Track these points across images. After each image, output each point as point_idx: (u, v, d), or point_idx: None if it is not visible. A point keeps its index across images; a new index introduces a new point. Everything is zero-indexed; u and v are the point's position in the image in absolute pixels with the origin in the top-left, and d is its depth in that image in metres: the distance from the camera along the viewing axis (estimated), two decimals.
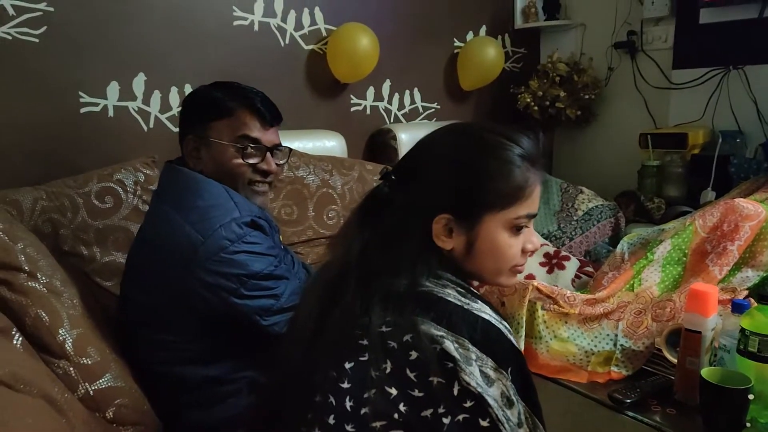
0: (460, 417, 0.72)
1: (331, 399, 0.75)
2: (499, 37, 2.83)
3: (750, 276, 1.38)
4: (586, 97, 2.63)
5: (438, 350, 0.71)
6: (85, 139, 1.70)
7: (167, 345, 1.11)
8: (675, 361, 1.23)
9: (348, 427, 0.73)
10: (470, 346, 0.73)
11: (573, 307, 1.34)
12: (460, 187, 0.81)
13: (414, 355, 0.72)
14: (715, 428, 1.10)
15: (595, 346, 1.33)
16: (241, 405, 1.09)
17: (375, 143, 2.42)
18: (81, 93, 1.69)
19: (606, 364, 1.31)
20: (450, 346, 0.72)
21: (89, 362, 1.00)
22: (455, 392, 0.71)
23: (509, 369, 0.75)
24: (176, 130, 1.29)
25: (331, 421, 0.74)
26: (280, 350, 0.88)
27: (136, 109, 1.80)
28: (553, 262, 1.80)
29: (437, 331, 0.73)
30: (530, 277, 1.73)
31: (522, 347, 1.32)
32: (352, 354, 0.75)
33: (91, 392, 0.98)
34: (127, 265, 1.22)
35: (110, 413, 0.98)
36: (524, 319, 1.33)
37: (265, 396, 0.89)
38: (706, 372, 1.10)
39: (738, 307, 1.17)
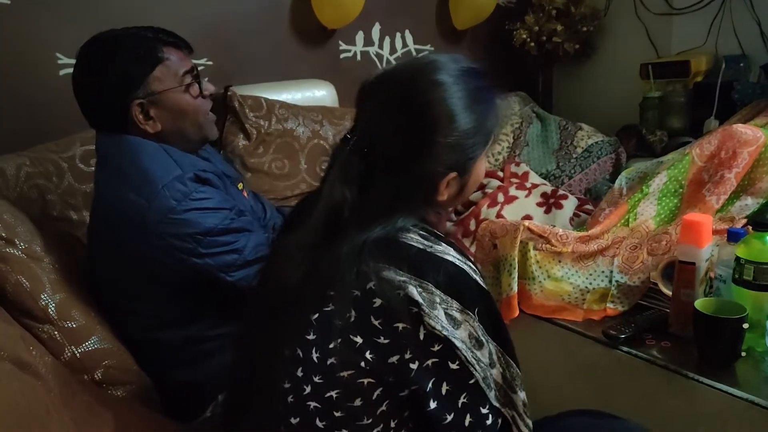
0: (429, 362, 0.71)
1: (299, 351, 0.74)
2: None
3: (749, 204, 1.34)
4: (585, 29, 2.53)
5: (401, 296, 0.70)
6: (66, 102, 1.65)
7: (142, 313, 1.10)
8: (670, 294, 1.21)
9: (316, 379, 0.73)
10: (434, 289, 0.71)
11: (566, 245, 1.31)
12: (467, 149, 0.81)
13: (378, 302, 0.71)
14: (709, 359, 1.09)
15: (590, 283, 1.31)
16: (225, 361, 1.07)
17: None
18: (59, 54, 1.65)
19: (602, 302, 1.30)
20: (413, 290, 0.70)
21: (74, 325, 1.00)
22: (421, 337, 0.71)
23: (476, 310, 0.73)
24: None
25: (300, 373, 0.74)
26: (250, 304, 0.88)
27: None
28: (550, 202, 1.77)
29: (400, 277, 0.71)
30: (527, 217, 1.70)
31: (515, 288, 1.31)
32: (318, 305, 0.74)
33: (78, 355, 0.98)
34: (88, 238, 1.19)
35: (98, 374, 0.98)
36: (516, 260, 1.31)
37: (239, 353, 0.88)
38: (699, 303, 1.09)
39: (733, 236, 1.14)
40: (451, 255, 0.75)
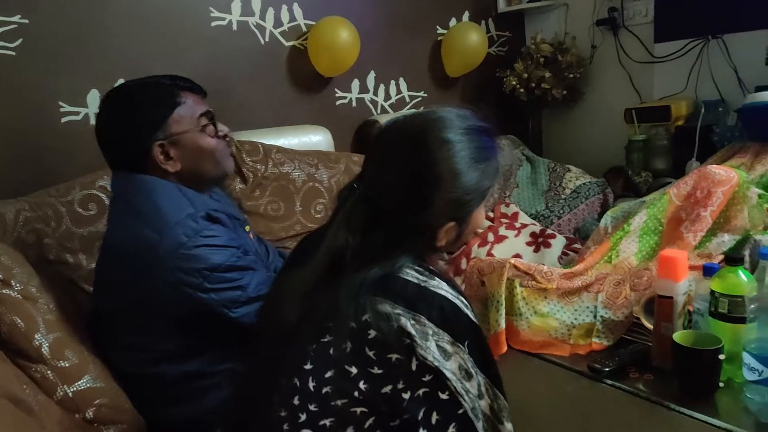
0: (420, 392, 0.74)
1: (296, 381, 0.78)
2: (483, 21, 2.84)
3: (726, 240, 1.38)
4: (571, 76, 2.64)
5: (395, 327, 0.74)
6: (67, 148, 1.73)
7: (142, 347, 1.13)
8: (652, 327, 1.24)
9: (311, 407, 0.76)
10: (426, 321, 0.75)
11: (551, 281, 1.35)
12: (467, 204, 0.87)
13: (372, 333, 0.75)
14: (689, 390, 1.11)
15: (576, 319, 1.34)
16: (222, 397, 1.10)
17: (361, 135, 2.44)
18: (61, 103, 1.73)
19: (587, 336, 1.33)
20: (406, 323, 0.74)
21: (67, 365, 1.02)
22: (413, 367, 0.74)
23: (466, 342, 0.77)
24: None
25: (296, 402, 0.77)
26: (251, 340, 0.91)
27: None
28: (539, 241, 1.81)
29: (394, 310, 0.75)
30: (517, 256, 1.74)
31: (503, 325, 1.34)
32: (316, 337, 0.78)
33: (70, 394, 1.00)
34: (96, 274, 1.23)
35: (90, 413, 1.00)
36: (504, 296, 1.35)
37: (239, 385, 0.91)
38: (678, 335, 1.12)
39: (708, 271, 1.18)
40: (444, 290, 0.79)
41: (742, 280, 1.10)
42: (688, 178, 1.46)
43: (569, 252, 1.81)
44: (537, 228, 1.89)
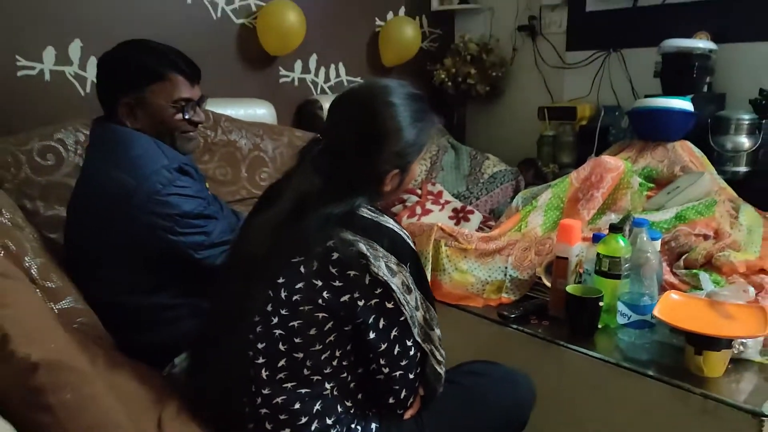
0: (372, 302, 0.95)
1: (270, 292, 0.95)
2: (417, 17, 3.06)
3: (612, 218, 1.69)
4: (494, 74, 2.92)
5: (354, 251, 0.93)
6: (23, 102, 1.78)
7: (115, 280, 1.25)
8: (550, 284, 1.51)
9: (282, 311, 0.94)
10: (378, 247, 0.95)
11: (471, 243, 1.60)
12: (408, 155, 1.05)
13: (335, 255, 0.94)
14: (576, 331, 1.39)
15: (489, 276, 1.59)
16: (187, 326, 1.25)
17: (303, 113, 2.60)
18: (18, 57, 1.77)
19: (498, 292, 1.58)
20: (363, 247, 0.94)
21: (53, 286, 1.14)
22: (367, 282, 0.94)
23: (408, 264, 0.98)
24: None
25: (269, 308, 0.95)
26: (222, 274, 1.08)
27: (73, 74, 1.90)
28: (459, 216, 2.07)
29: (353, 237, 0.94)
30: None
31: (429, 278, 1.57)
32: (287, 257, 0.96)
33: (56, 310, 1.11)
34: (68, 214, 1.33)
35: (74, 327, 1.12)
36: (431, 254, 1.58)
37: (213, 303, 1.08)
38: (570, 288, 1.39)
39: (596, 238, 1.46)
40: (392, 224, 1.00)
41: (620, 244, 1.38)
42: (586, 165, 1.75)
43: (484, 228, 2.08)
44: (458, 205, 2.14)
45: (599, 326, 1.39)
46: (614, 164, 1.69)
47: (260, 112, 2.30)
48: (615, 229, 1.40)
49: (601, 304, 1.36)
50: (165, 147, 1.27)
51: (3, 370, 0.62)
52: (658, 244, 1.52)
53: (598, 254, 1.40)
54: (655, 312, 1.25)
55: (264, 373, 0.95)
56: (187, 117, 1.31)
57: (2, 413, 0.62)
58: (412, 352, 0.99)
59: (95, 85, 1.28)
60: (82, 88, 1.91)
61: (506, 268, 1.60)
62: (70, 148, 1.66)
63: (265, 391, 0.96)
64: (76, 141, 1.68)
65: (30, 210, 1.55)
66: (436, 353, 1.02)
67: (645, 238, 1.41)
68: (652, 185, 2.00)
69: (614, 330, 1.40)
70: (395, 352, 0.97)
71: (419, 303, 0.99)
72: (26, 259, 1.12)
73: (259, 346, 0.95)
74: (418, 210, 2.05)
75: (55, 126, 1.68)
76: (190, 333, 1.18)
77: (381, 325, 0.95)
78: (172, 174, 1.22)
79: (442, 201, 2.14)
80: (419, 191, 2.25)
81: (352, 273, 0.93)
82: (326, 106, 2.49)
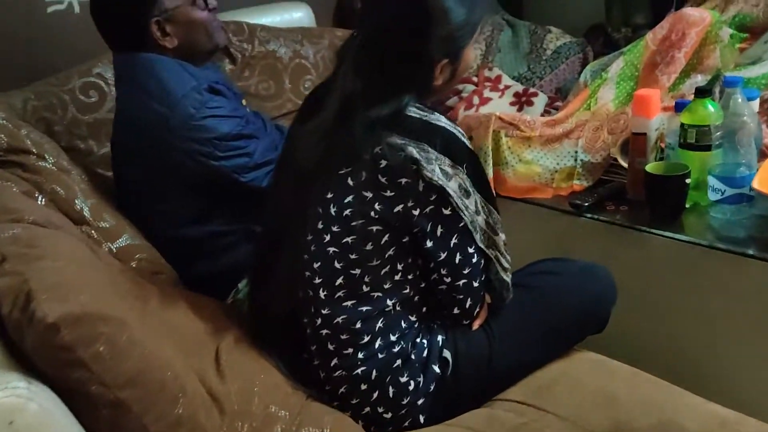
0: (427, 209, 0.88)
1: (319, 209, 0.90)
2: None
3: (699, 81, 1.47)
4: None
5: (403, 156, 0.85)
6: (58, 39, 1.74)
7: (163, 212, 1.24)
8: (627, 165, 1.36)
9: (334, 228, 0.89)
10: (430, 149, 0.87)
11: (534, 130, 1.46)
12: (459, 39, 0.93)
13: (383, 163, 0.86)
14: (659, 214, 1.26)
15: (558, 164, 1.46)
16: (243, 252, 1.23)
17: (343, 10, 2.42)
18: None
19: (569, 179, 1.45)
20: (413, 150, 0.85)
21: (107, 225, 1.14)
22: (421, 188, 0.87)
23: (464, 165, 0.89)
24: None
25: (320, 226, 0.90)
26: (271, 192, 1.02)
27: None
28: (522, 100, 1.90)
29: (401, 141, 0.86)
30: None
31: (491, 174, 1.46)
32: (335, 169, 0.89)
33: (114, 249, 1.12)
34: (112, 150, 1.32)
35: (133, 265, 1.12)
36: (490, 148, 1.46)
37: (265, 225, 1.04)
38: (650, 166, 1.25)
39: (680, 107, 1.28)
40: (443, 122, 0.91)
41: (709, 110, 1.21)
42: (665, 22, 1.52)
43: (551, 110, 1.90)
44: (520, 88, 1.96)
45: (687, 206, 1.25)
46: (698, 16, 1.46)
47: (297, 15, 2.16)
48: (702, 93, 1.23)
49: (687, 181, 1.21)
50: (191, 67, 1.21)
51: (29, 330, 0.61)
52: (756, 104, 1.31)
53: (682, 125, 1.24)
54: (755, 183, 1.11)
55: (322, 293, 0.92)
56: (205, 7, 1.23)
57: (40, 375, 0.62)
58: (474, 260, 0.92)
59: (103, 28, 1.23)
60: None
61: (576, 152, 1.46)
62: (110, 82, 1.62)
63: (325, 311, 0.93)
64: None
65: (84, 150, 1.55)
66: (502, 260, 0.94)
67: (739, 100, 1.22)
68: (745, 35, 1.71)
69: (705, 208, 1.26)
70: (456, 261, 0.91)
71: (480, 206, 0.91)
72: (76, 201, 1.12)
73: (315, 265, 0.92)
74: (476, 100, 1.90)
75: (92, 61, 1.64)
76: (249, 258, 1.16)
77: (439, 233, 0.89)
78: (203, 95, 1.16)
79: (501, 86, 1.97)
80: (475, 79, 2.08)
81: (403, 180, 0.86)
82: None
